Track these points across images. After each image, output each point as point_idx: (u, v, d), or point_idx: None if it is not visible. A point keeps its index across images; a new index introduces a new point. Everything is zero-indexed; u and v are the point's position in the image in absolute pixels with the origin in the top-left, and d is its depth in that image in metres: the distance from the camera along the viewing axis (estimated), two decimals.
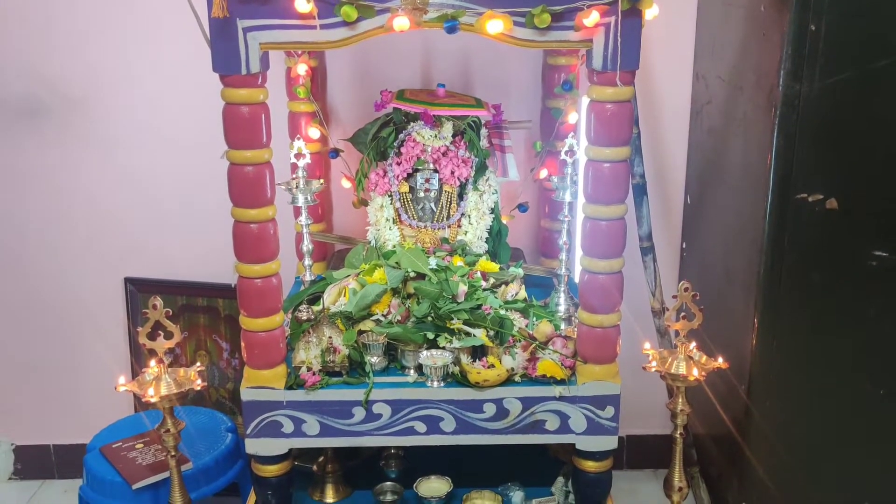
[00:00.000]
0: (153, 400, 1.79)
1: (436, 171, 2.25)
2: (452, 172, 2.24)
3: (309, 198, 2.18)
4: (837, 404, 2.04)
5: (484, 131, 2.30)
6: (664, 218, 2.56)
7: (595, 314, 1.89)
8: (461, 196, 2.29)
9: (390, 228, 2.28)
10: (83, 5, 2.34)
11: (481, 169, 2.27)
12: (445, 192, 2.27)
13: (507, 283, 2.17)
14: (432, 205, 2.28)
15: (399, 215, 2.29)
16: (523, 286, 2.19)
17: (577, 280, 1.98)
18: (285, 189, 2.16)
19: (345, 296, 2.09)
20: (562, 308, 2.18)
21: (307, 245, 2.22)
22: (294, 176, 2.19)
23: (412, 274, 2.07)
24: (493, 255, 2.30)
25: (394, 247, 2.23)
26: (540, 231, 2.51)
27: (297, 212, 2.27)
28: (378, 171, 2.28)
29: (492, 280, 2.16)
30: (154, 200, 2.49)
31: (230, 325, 2.59)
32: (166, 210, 2.51)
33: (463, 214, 2.29)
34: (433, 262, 2.10)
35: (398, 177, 2.26)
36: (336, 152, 2.40)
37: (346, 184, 2.42)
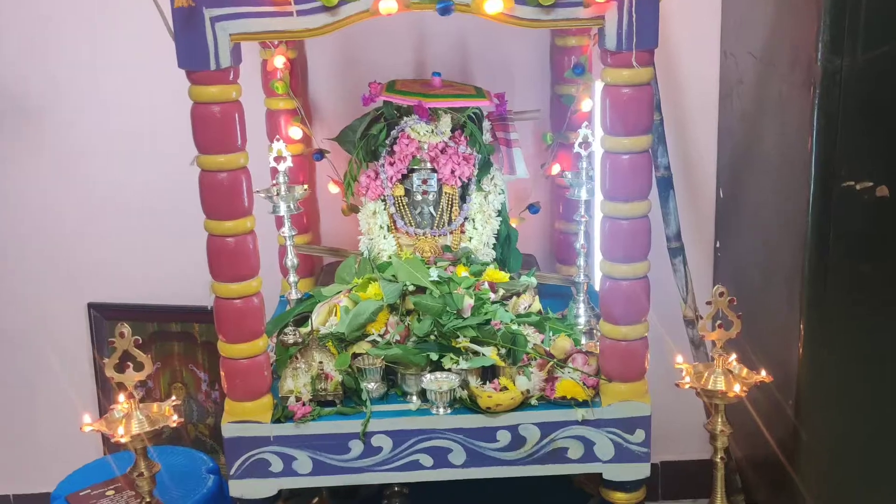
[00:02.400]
0: (124, 440, 1.79)
1: (434, 170, 2.25)
2: (453, 172, 2.25)
3: (292, 206, 2.19)
4: None
5: (487, 124, 2.30)
6: (694, 214, 2.58)
7: (619, 326, 1.89)
8: (463, 198, 2.29)
9: (385, 237, 2.29)
10: (30, 2, 2.34)
11: (485, 166, 2.28)
12: (446, 194, 2.28)
13: (518, 295, 2.18)
14: (431, 209, 2.29)
15: (394, 222, 2.30)
16: (537, 297, 2.20)
17: (597, 288, 2.00)
18: (265, 197, 2.17)
19: (336, 315, 2.09)
20: (581, 320, 2.19)
21: (291, 259, 2.23)
22: (274, 182, 2.21)
23: (411, 288, 2.07)
24: (501, 263, 2.30)
25: (389, 258, 2.23)
26: (554, 234, 2.53)
27: (279, 222, 2.27)
28: (369, 174, 2.28)
29: (501, 291, 2.17)
30: (119, 215, 2.50)
31: (208, 353, 2.59)
32: (133, 226, 2.52)
33: (466, 219, 2.29)
34: (434, 273, 2.10)
35: (392, 179, 2.26)
36: (321, 154, 2.41)
37: (334, 189, 2.43)
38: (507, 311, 2.10)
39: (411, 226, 2.29)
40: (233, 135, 1.77)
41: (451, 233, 2.30)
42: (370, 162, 2.29)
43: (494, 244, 2.31)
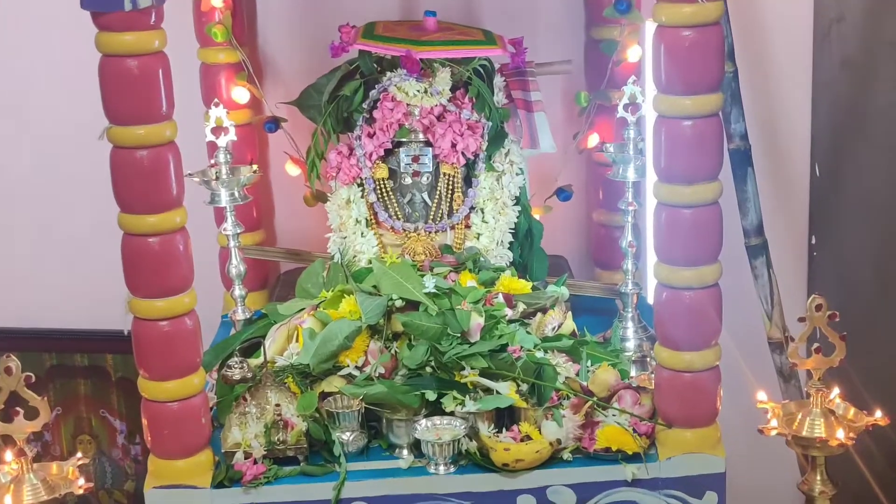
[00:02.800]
0: None
1: (428, 144, 2.26)
2: (454, 145, 2.25)
3: (237, 194, 2.20)
4: None
5: (499, 81, 2.31)
6: (781, 200, 2.59)
7: (681, 352, 1.91)
8: (468, 181, 2.30)
9: (363, 235, 2.30)
10: None
11: (497, 138, 2.29)
12: (444, 175, 2.29)
13: (544, 311, 2.19)
14: (425, 196, 2.30)
15: (375, 214, 2.31)
16: (570, 314, 2.21)
17: (651, 301, 2.01)
18: (200, 182, 2.19)
19: (297, 341, 2.10)
20: (630, 344, 2.21)
21: (237, 266, 2.24)
22: (213, 162, 2.23)
23: (399, 303, 2.08)
24: (521, 268, 2.31)
25: (369, 262, 2.24)
26: (592, 228, 2.55)
27: (220, 216, 2.28)
28: (341, 149, 2.30)
29: (521, 306, 2.18)
30: (4, 216, 2.54)
31: (125, 394, 2.60)
32: (19, 224, 2.54)
33: (473, 209, 2.30)
34: (430, 282, 2.10)
35: (371, 156, 2.27)
36: (275, 123, 2.43)
37: (293, 170, 2.46)
38: (529, 332, 2.11)
39: (398, 219, 2.30)
40: (155, 98, 1.77)
41: (451, 228, 2.31)
42: (342, 133, 2.30)
43: (511, 243, 2.32)
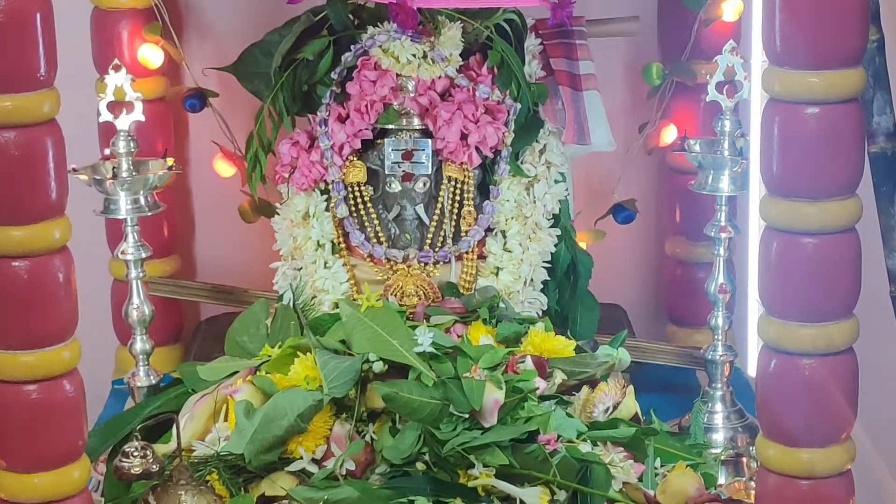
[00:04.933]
0: None
1: (427, 133, 2.29)
2: (464, 136, 2.27)
3: (143, 201, 2.23)
4: None
5: (533, 43, 2.35)
6: None
7: (796, 448, 1.92)
8: (485, 190, 2.32)
9: (327, 265, 2.32)
10: None
11: (529, 128, 2.32)
12: (450, 180, 2.31)
13: (593, 384, 2.21)
14: (420, 210, 2.32)
15: (346, 236, 2.32)
16: (630, 389, 2.21)
17: (751, 372, 2.09)
18: (88, 181, 2.22)
19: (227, 420, 2.13)
20: (719, 436, 2.23)
21: (139, 308, 2.27)
22: (108, 153, 2.26)
23: (378, 366, 2.09)
24: (559, 319, 2.34)
25: (336, 306, 2.26)
26: (664, 265, 2.62)
27: (116, 232, 2.31)
28: (297, 139, 2.33)
29: (560, 376, 2.19)
30: None
31: None
32: None
33: (490, 230, 2.32)
34: (425, 338, 2.12)
35: (343, 149, 2.29)
36: (201, 99, 2.48)
37: (226, 169, 2.55)
38: (570, 415, 2.13)
39: (380, 243, 2.31)
40: (29, 57, 1.77)
41: (458, 258, 2.33)
42: (300, 116, 2.35)
43: (546, 282, 2.34)
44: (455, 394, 2.06)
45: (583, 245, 2.42)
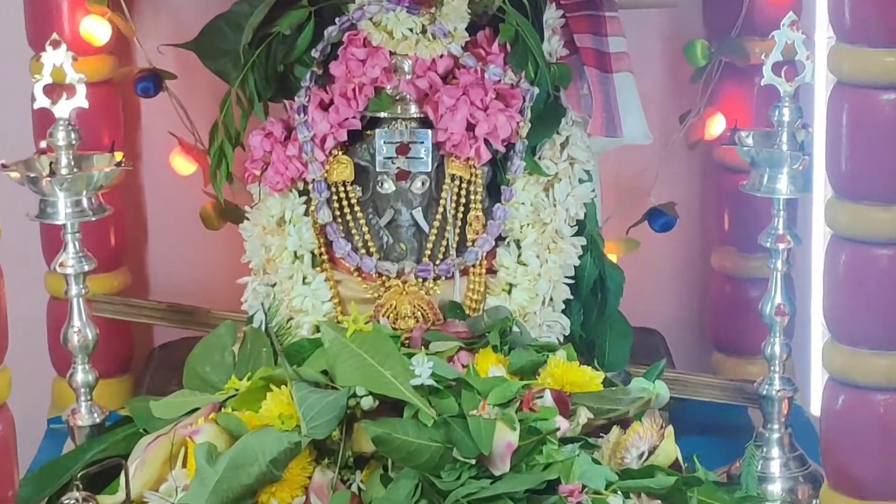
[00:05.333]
0: None
1: (427, 123, 2.25)
2: (471, 127, 2.23)
3: (86, 203, 2.19)
4: None
5: (554, 15, 2.31)
6: None
7: (868, 501, 1.94)
8: (495, 191, 2.29)
9: (306, 280, 2.27)
10: None
11: (548, 117, 2.29)
12: (454, 179, 2.28)
13: (625, 424, 2.13)
14: (417, 215, 2.28)
15: (330, 245, 2.29)
16: (670, 430, 2.13)
17: (815, 411, 2.07)
18: (21, 180, 2.18)
19: (185, 465, 2.07)
20: (775, 487, 2.20)
21: (81, 331, 2.22)
22: (44, 146, 2.22)
23: (367, 402, 2.03)
24: (584, 346, 2.31)
25: (317, 330, 2.23)
26: (710, 281, 2.60)
27: (54, 240, 2.32)
28: (272, 129, 2.29)
29: (585, 415, 2.12)
30: None
31: None
32: None
33: (503, 240, 2.29)
34: (423, 368, 2.06)
35: (326, 141, 2.25)
36: (155, 80, 2.47)
37: (185, 165, 2.47)
38: (596, 460, 2.05)
39: (369, 254, 2.26)
40: None
41: (464, 273, 2.28)
42: (274, 102, 2.31)
43: (569, 302, 2.30)
44: (459, 435, 1.98)
45: (612, 257, 2.38)
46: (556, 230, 2.29)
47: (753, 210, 2.33)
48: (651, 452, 2.07)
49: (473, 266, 2.28)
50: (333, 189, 2.27)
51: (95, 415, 2.23)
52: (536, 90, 2.25)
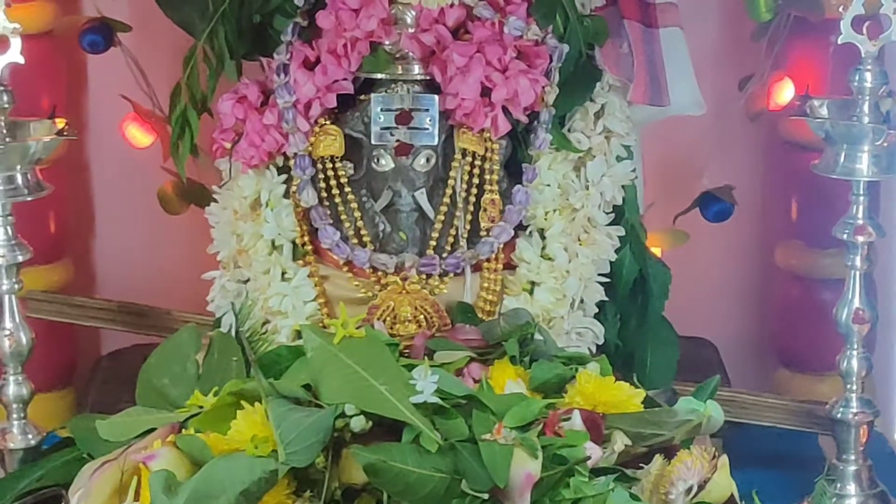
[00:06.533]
0: None
1: (431, 86, 2.22)
2: (486, 91, 2.19)
3: (20, 179, 2.19)
4: None
5: None
6: None
7: None
8: (515, 170, 2.25)
9: (286, 275, 2.25)
10: None
11: (579, 81, 2.26)
12: (465, 155, 2.23)
13: (669, 453, 2.04)
14: (420, 198, 2.24)
15: (314, 233, 2.26)
16: (724, 459, 2.04)
17: None
18: None
19: (138, 497, 2.00)
20: None
21: (14, 334, 2.24)
22: None
23: (358, 423, 1.96)
24: (622, 358, 2.29)
25: (297, 336, 2.17)
26: (774, 281, 2.66)
27: None
28: (245, 93, 2.27)
29: (620, 440, 2.05)
30: None
31: None
32: None
33: (524, 228, 2.26)
34: (426, 381, 1.97)
35: (310, 107, 2.22)
36: (105, 33, 2.52)
37: (140, 136, 2.57)
38: (635, 496, 1.98)
39: (362, 244, 2.23)
40: None
41: (475, 267, 2.25)
42: (248, 60, 2.31)
43: (603, 304, 2.29)
44: (469, 464, 1.91)
45: (657, 252, 2.38)
46: (589, 218, 2.26)
47: (827, 196, 2.33)
48: (701, 487, 2.00)
49: (488, 260, 2.22)
50: (320, 165, 2.21)
51: (30, 436, 2.23)
52: (566, 48, 2.20)
